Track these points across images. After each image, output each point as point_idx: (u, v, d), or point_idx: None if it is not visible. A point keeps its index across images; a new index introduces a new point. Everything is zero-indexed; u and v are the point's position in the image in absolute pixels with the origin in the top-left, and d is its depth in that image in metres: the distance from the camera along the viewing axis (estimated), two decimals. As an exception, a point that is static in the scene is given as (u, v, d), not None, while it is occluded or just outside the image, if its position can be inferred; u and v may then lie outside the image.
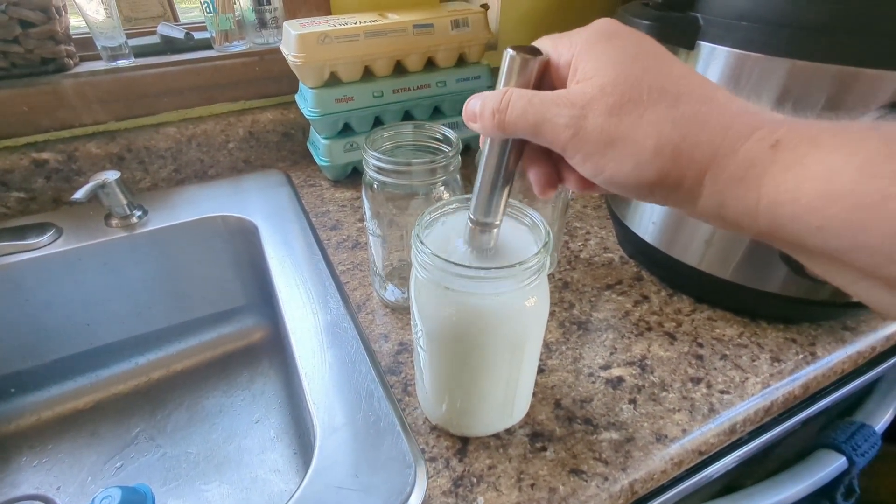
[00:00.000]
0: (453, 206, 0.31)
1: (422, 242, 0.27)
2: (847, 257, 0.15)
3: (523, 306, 0.28)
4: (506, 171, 0.25)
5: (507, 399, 0.32)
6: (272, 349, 0.67)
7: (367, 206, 0.41)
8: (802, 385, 0.40)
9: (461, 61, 0.67)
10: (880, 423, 0.50)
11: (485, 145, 0.25)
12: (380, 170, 0.37)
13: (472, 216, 0.27)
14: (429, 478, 0.33)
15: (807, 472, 0.45)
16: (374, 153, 0.37)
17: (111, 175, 0.54)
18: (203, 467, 0.55)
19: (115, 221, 0.57)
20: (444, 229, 0.30)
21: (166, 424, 0.59)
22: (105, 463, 0.56)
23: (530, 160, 0.24)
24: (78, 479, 0.54)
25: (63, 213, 0.60)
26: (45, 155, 0.57)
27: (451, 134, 0.40)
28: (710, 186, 0.17)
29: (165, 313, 0.64)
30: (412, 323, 0.31)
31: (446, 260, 0.25)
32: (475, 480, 0.32)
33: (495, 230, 0.27)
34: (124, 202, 0.56)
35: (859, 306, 0.43)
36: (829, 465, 0.46)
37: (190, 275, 0.63)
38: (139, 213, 0.58)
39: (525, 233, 0.29)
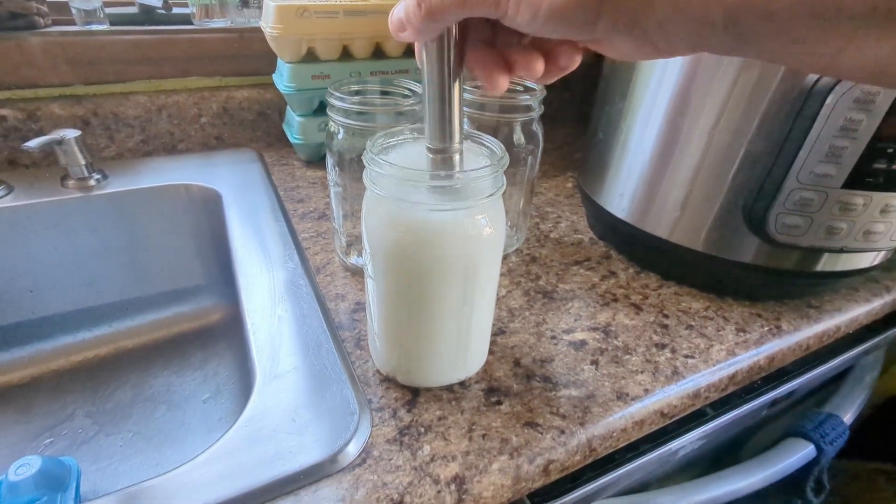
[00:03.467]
0: (407, 134, 0.30)
1: (374, 152, 0.26)
2: None
3: (477, 231, 0.27)
4: (451, 80, 0.23)
5: (461, 342, 0.31)
6: (230, 331, 0.63)
7: (329, 158, 0.40)
8: (768, 356, 0.39)
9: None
10: (848, 414, 0.49)
11: (422, 61, 0.23)
12: (344, 113, 0.36)
13: (429, 145, 0.25)
14: (373, 426, 0.30)
15: (775, 458, 0.44)
16: (338, 94, 0.36)
17: (71, 132, 0.52)
18: (141, 446, 0.51)
19: (71, 182, 0.55)
20: (401, 156, 0.29)
21: (107, 402, 0.55)
22: (33, 440, 0.51)
23: (473, 58, 0.23)
24: None
25: (18, 174, 0.57)
26: (3, 111, 0.55)
27: (419, 88, 0.40)
28: None
29: (119, 286, 0.61)
30: (363, 251, 0.29)
31: (400, 166, 0.24)
32: (423, 430, 0.30)
33: (457, 156, 0.25)
34: (83, 162, 0.54)
35: (823, 281, 0.42)
36: (798, 452, 0.44)
37: (148, 247, 0.60)
38: (98, 176, 0.56)
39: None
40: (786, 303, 0.43)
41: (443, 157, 0.25)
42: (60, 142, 0.51)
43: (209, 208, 0.58)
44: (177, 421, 0.53)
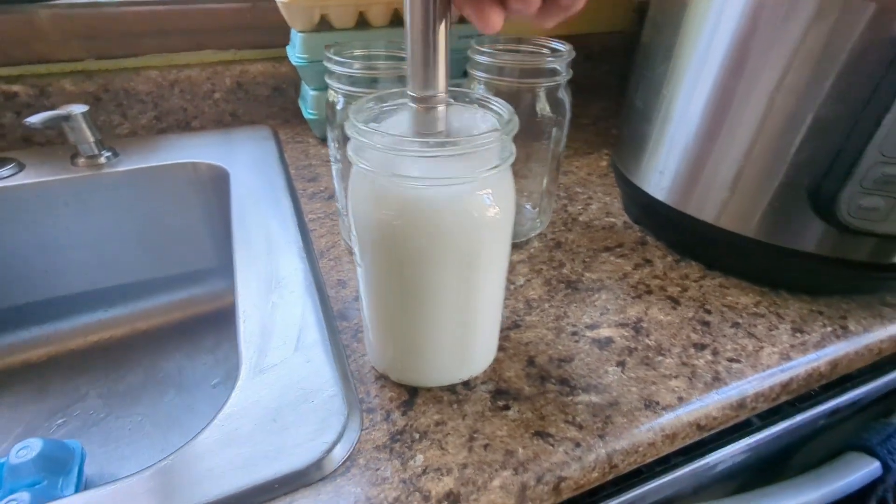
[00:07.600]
0: (402, 98, 0.25)
1: (357, 120, 0.22)
2: None
3: (480, 210, 0.23)
4: (437, 17, 0.20)
5: (463, 338, 0.27)
6: (243, 314, 0.62)
7: (329, 132, 0.36)
8: (830, 362, 0.33)
9: (462, 18, 0.63)
10: (923, 429, 0.42)
11: None
12: (342, 78, 0.32)
13: (411, 93, 0.22)
14: (362, 430, 0.27)
15: (833, 476, 0.38)
16: (337, 58, 0.32)
17: (78, 108, 0.51)
18: (149, 430, 0.50)
19: (81, 160, 0.53)
20: (395, 126, 0.25)
21: (119, 384, 0.55)
22: (46, 419, 0.51)
23: None
24: (13, 435, 0.50)
25: (31, 152, 0.56)
26: (15, 87, 0.54)
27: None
28: None
29: (132, 267, 0.60)
30: (351, 235, 0.26)
31: (386, 133, 0.20)
32: (417, 436, 0.27)
33: (441, 107, 0.22)
34: (91, 139, 0.52)
35: (903, 276, 0.36)
36: (860, 470, 0.39)
37: (160, 227, 0.59)
38: (108, 153, 0.55)
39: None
40: (854, 299, 0.37)
41: (426, 107, 0.22)
42: (67, 118, 0.50)
43: (218, 187, 0.56)
44: (185, 405, 0.52)
